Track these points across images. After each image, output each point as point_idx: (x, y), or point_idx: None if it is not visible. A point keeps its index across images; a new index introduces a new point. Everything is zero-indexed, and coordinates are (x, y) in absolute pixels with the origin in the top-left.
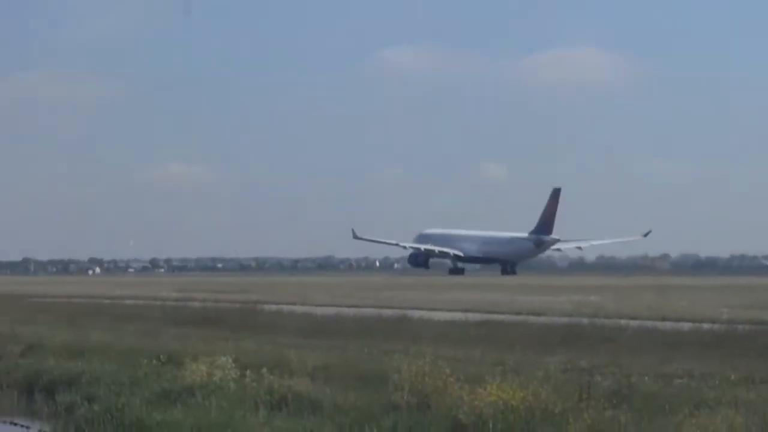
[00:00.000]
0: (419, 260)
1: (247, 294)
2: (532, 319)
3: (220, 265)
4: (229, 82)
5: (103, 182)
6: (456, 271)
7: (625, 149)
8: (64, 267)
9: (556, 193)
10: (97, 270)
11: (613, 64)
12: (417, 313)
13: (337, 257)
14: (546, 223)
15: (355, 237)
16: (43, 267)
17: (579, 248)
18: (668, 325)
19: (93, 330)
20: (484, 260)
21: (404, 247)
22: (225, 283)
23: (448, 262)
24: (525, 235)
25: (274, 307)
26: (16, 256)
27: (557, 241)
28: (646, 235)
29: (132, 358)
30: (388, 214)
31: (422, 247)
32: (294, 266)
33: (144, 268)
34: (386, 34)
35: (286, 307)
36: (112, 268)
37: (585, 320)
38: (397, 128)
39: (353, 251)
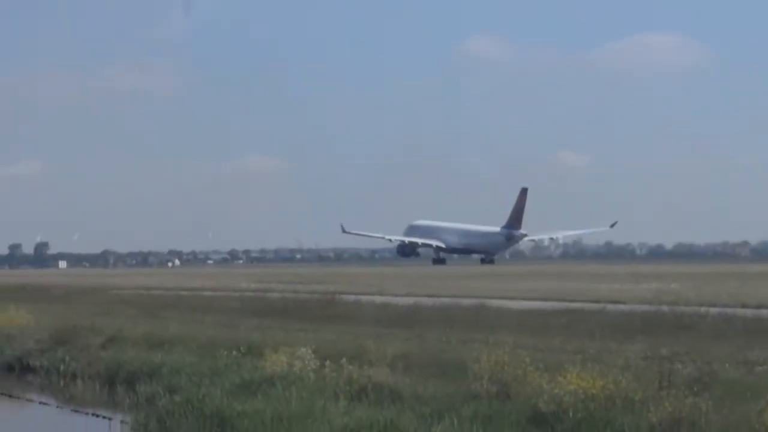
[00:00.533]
0: (406, 251)
1: (325, 285)
2: (611, 307)
3: (298, 256)
4: (308, 75)
5: (182, 174)
6: (438, 261)
7: (708, 133)
8: (143, 259)
9: (524, 192)
10: (177, 262)
11: (691, 48)
12: (495, 302)
13: None
14: (515, 219)
15: (344, 231)
16: (122, 259)
17: (552, 239)
18: (749, 312)
19: (172, 321)
20: (463, 251)
21: (390, 240)
22: (303, 273)
23: (431, 252)
24: (497, 229)
25: (352, 297)
26: (96, 249)
27: (525, 235)
28: (612, 225)
29: (212, 349)
30: (470, 202)
31: (407, 239)
32: (372, 257)
33: (223, 260)
34: (469, 24)
35: (364, 298)
36: (191, 260)
37: (665, 308)
38: (480, 115)
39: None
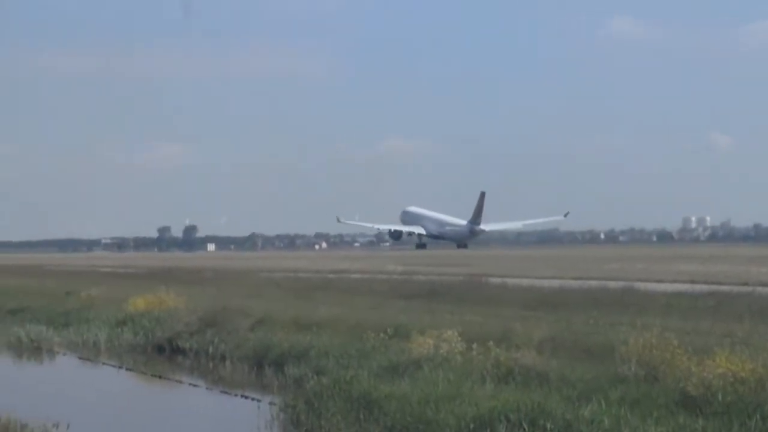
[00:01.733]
0: (395, 235)
1: (470, 267)
2: (760, 290)
3: None
4: (450, 57)
5: (327, 157)
6: (420, 246)
7: None
8: (290, 242)
9: (482, 195)
10: (324, 245)
11: None
12: (642, 285)
13: (561, 230)
14: (476, 216)
15: (339, 221)
16: (270, 242)
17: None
18: None
19: (320, 304)
20: (438, 238)
21: (378, 229)
22: (449, 256)
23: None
24: (465, 222)
25: (498, 280)
26: (244, 232)
27: (483, 231)
28: (566, 215)
29: (359, 331)
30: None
31: (392, 228)
32: (517, 240)
33: (370, 243)
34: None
35: (510, 280)
36: (338, 242)
37: None
38: (624, 97)
39: (577, 224)
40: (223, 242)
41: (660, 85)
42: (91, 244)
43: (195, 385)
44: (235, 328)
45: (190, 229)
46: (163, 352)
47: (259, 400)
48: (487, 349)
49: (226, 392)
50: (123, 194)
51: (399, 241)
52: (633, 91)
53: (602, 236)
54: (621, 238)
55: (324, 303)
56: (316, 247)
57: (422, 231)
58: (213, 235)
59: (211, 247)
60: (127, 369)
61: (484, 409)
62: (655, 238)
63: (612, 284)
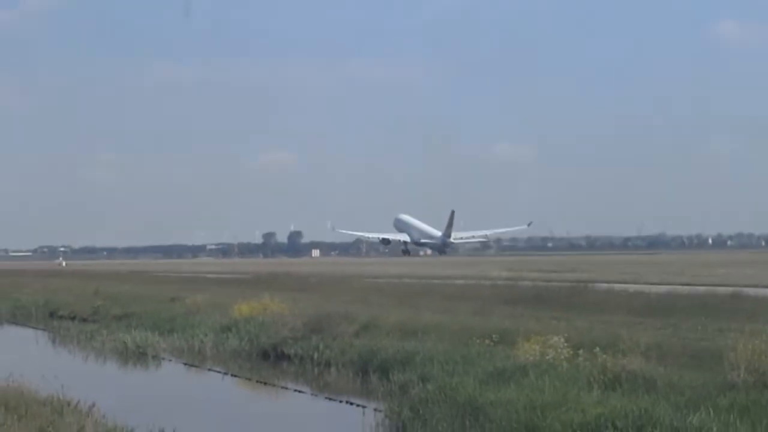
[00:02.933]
0: (385, 243)
1: (577, 273)
2: None
3: (550, 244)
4: (553, 63)
5: (438, 162)
6: (405, 252)
7: None
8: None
9: (452, 213)
10: (428, 251)
11: None
12: (752, 291)
13: (668, 234)
14: (448, 229)
15: (333, 230)
16: (374, 248)
17: (485, 237)
18: None
19: (425, 310)
20: (420, 246)
21: (368, 237)
22: (555, 261)
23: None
24: (440, 234)
25: (604, 285)
26: (349, 238)
27: (452, 243)
28: (529, 225)
29: (464, 337)
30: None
31: (380, 236)
32: (624, 245)
33: (474, 248)
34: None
35: (617, 286)
36: None
37: None
38: (733, 100)
39: (686, 228)
40: (328, 248)
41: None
42: (197, 250)
43: (300, 392)
44: (340, 334)
45: (294, 235)
46: (268, 358)
47: (364, 407)
48: (593, 356)
49: (331, 398)
50: (229, 200)
51: (387, 247)
52: (742, 94)
53: (710, 241)
54: (729, 242)
55: (428, 309)
56: (421, 252)
57: (407, 239)
58: (318, 240)
59: (315, 252)
60: (232, 375)
61: (590, 416)
62: (763, 243)
63: (720, 290)
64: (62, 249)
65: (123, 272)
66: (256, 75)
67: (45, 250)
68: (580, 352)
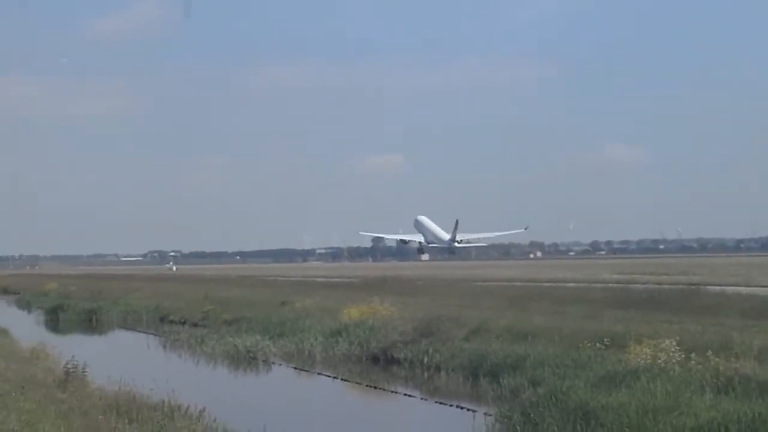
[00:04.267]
0: (402, 243)
1: (688, 275)
2: None
3: (661, 246)
4: (660, 65)
5: (544, 165)
6: (420, 251)
7: None
8: (505, 251)
9: (456, 222)
10: (538, 253)
11: None
12: None
13: None
14: (454, 233)
15: (361, 233)
16: (484, 251)
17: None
18: None
19: (535, 313)
20: (431, 248)
21: (385, 239)
22: (666, 264)
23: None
24: (447, 237)
25: (716, 288)
26: None
27: (456, 247)
28: (525, 228)
29: (575, 340)
30: None
31: (398, 237)
32: (737, 247)
33: (584, 251)
34: None
35: (729, 289)
36: (553, 251)
37: None
38: None
39: None
40: (437, 252)
41: None
42: (306, 255)
43: (410, 396)
44: (450, 338)
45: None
46: (377, 362)
47: (474, 411)
48: (705, 359)
49: (441, 402)
50: (338, 204)
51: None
52: None
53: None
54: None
55: (539, 312)
56: (531, 256)
57: (422, 239)
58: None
59: (424, 256)
60: (342, 379)
61: (703, 420)
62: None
63: None
64: (172, 254)
65: (232, 277)
66: (364, 78)
67: (155, 254)
68: (692, 355)
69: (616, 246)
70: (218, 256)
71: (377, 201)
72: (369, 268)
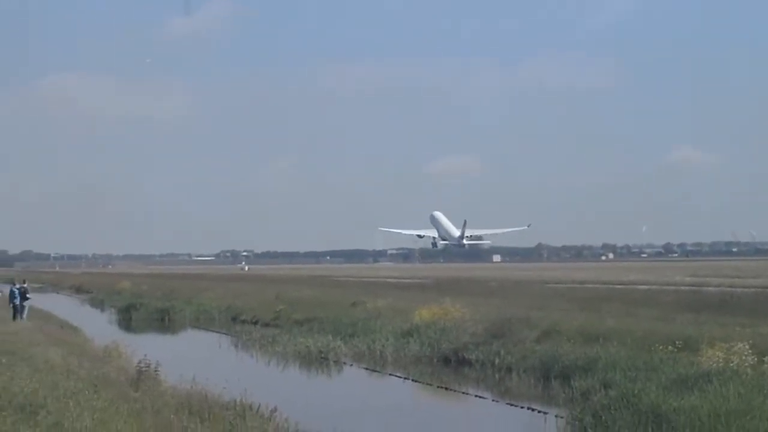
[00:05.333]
0: (420, 237)
1: (761, 278)
2: None
3: (735, 249)
4: (738, 62)
5: (616, 167)
6: (434, 245)
7: None
8: (577, 253)
9: (465, 222)
10: (611, 255)
11: None
12: None
13: None
14: (462, 231)
15: (380, 229)
16: (556, 253)
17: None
18: None
19: (607, 315)
20: (443, 244)
21: (402, 233)
22: (739, 267)
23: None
24: (458, 235)
25: None
26: (530, 243)
27: (464, 244)
28: (528, 226)
29: (646, 343)
30: None
31: (416, 233)
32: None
33: (657, 254)
34: None
35: None
36: (625, 253)
37: None
38: None
39: None
40: (508, 253)
41: None
42: (378, 255)
43: (481, 397)
44: (521, 340)
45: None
46: (448, 363)
47: (545, 413)
48: None
49: (512, 404)
50: (410, 205)
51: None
52: None
53: None
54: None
55: (610, 314)
56: (603, 258)
57: (435, 235)
58: (498, 245)
59: (496, 257)
60: (413, 380)
61: None
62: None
63: None
64: (244, 253)
65: (304, 277)
66: (433, 78)
67: (228, 254)
68: (766, 359)
69: (689, 248)
70: (290, 256)
71: (449, 202)
72: (440, 269)
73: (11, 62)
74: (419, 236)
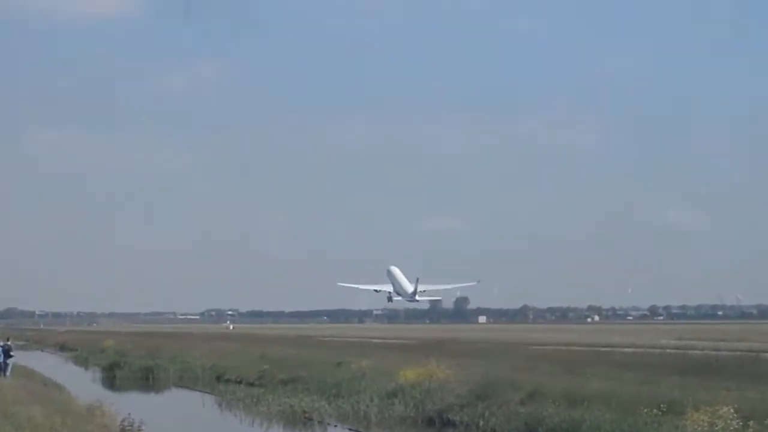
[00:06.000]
0: (376, 291)
1: (746, 342)
2: None
3: (720, 312)
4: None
5: (604, 227)
6: (389, 299)
7: None
8: (562, 314)
9: (417, 279)
10: (596, 318)
11: None
12: None
13: None
14: (415, 286)
15: (339, 284)
16: (541, 315)
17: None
18: None
19: (592, 378)
20: (397, 299)
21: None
22: (724, 330)
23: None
24: (411, 290)
25: None
26: (515, 304)
27: (417, 300)
28: (478, 281)
29: (631, 406)
30: None
31: (374, 288)
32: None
33: (642, 316)
34: None
35: None
36: (611, 315)
37: None
38: None
39: None
40: (494, 314)
41: None
42: (363, 315)
43: None
44: (506, 402)
45: (461, 301)
46: (433, 425)
47: None
48: (764, 427)
49: None
50: (395, 264)
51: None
52: None
53: None
54: None
55: (595, 377)
56: (589, 320)
57: (391, 289)
58: (484, 306)
59: (482, 319)
60: None
61: None
62: None
63: None
64: (230, 313)
65: (289, 336)
66: (414, 137)
67: (213, 313)
68: (750, 423)
69: (674, 311)
70: (276, 316)
71: (435, 263)
72: (425, 330)
73: None
74: (376, 291)
